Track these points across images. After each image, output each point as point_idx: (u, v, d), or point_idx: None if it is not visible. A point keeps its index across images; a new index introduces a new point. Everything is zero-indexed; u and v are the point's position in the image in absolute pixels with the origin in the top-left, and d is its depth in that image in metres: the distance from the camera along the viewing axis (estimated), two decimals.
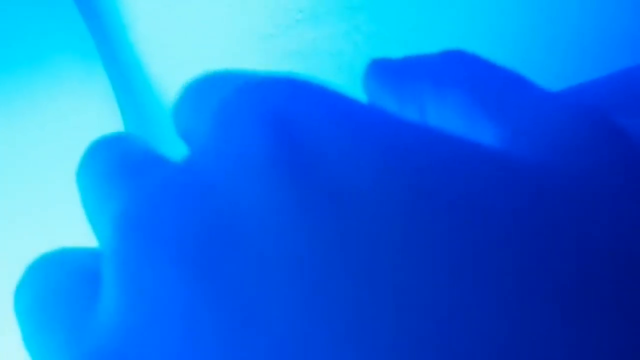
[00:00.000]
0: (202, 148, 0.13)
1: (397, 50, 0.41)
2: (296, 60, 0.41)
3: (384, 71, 0.17)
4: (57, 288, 0.13)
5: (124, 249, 0.12)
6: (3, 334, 0.34)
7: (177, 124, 0.15)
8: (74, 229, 0.36)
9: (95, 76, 0.39)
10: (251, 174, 0.11)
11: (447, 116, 0.15)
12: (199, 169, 0.12)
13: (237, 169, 0.12)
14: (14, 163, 0.37)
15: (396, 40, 0.41)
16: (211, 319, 0.10)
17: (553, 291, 0.09)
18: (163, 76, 0.42)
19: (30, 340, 0.13)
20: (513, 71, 0.15)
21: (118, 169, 0.14)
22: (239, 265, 0.11)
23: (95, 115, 0.38)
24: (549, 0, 0.38)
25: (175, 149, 0.43)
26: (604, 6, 0.37)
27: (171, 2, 0.40)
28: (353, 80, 0.42)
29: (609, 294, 0.09)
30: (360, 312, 0.10)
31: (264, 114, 0.12)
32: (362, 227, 0.10)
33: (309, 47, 0.41)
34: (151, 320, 0.11)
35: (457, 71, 0.15)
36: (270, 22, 0.41)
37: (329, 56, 0.41)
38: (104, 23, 0.41)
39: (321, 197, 0.11)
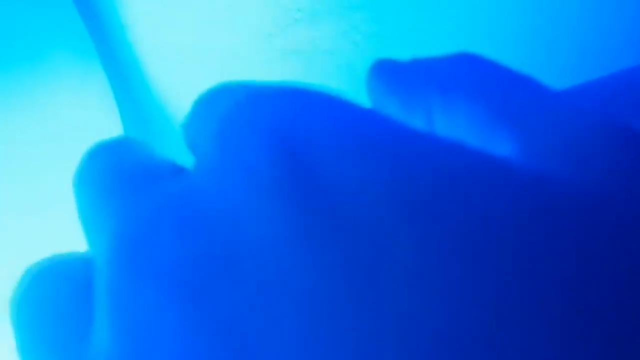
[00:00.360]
0: (203, 165, 0.12)
1: (396, 50, 0.41)
2: (295, 59, 0.41)
3: (388, 74, 0.17)
4: (52, 301, 0.13)
5: (117, 276, 0.11)
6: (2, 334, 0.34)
7: (186, 138, 0.15)
8: (72, 227, 0.36)
9: (94, 75, 0.38)
10: (252, 195, 0.11)
11: (457, 124, 0.14)
12: (200, 187, 0.12)
13: (238, 190, 0.11)
14: (12, 161, 0.36)
15: (396, 40, 0.41)
16: (208, 352, 0.10)
17: (558, 301, 0.09)
18: (161, 75, 0.42)
19: (25, 356, 0.13)
20: (525, 75, 0.14)
21: (116, 181, 0.13)
22: (239, 295, 0.10)
23: (94, 113, 0.38)
24: (550, 0, 0.38)
25: (175, 149, 0.43)
26: (604, 6, 0.37)
27: (169, 1, 0.40)
28: (352, 80, 0.42)
29: (612, 304, 0.09)
30: (368, 346, 0.09)
31: (265, 129, 0.12)
32: (371, 254, 0.10)
33: (308, 46, 0.41)
34: (145, 352, 0.10)
35: (467, 77, 0.14)
36: (269, 22, 0.41)
37: (328, 55, 0.41)
38: (102, 22, 0.41)
39: (327, 222, 0.10)
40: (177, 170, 0.14)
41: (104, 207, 0.13)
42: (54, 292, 0.13)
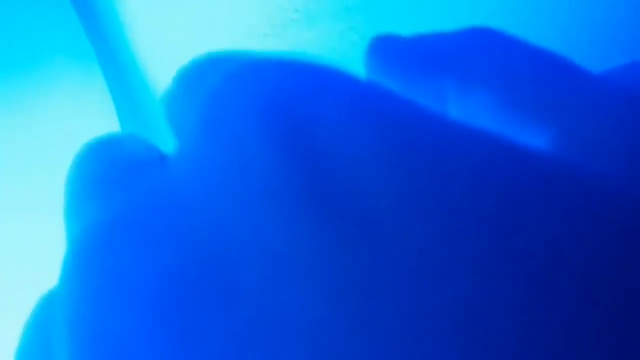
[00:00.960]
0: (186, 148, 0.11)
1: None
2: None
3: (391, 51, 0.14)
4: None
5: (77, 298, 0.09)
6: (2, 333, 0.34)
7: (168, 115, 0.13)
8: None
9: (92, 77, 0.38)
10: (245, 183, 0.09)
11: (474, 109, 0.12)
12: (183, 175, 0.10)
13: (228, 175, 0.09)
14: (10, 164, 0.36)
15: None
16: None
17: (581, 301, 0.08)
18: (159, 76, 0.42)
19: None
20: (552, 51, 0.12)
21: (95, 178, 0.11)
22: (232, 309, 0.08)
23: (92, 115, 0.38)
24: (548, 1, 0.38)
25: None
26: (604, 5, 0.37)
27: (167, 1, 0.40)
28: None
29: None
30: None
31: (257, 103, 0.10)
32: (379, 251, 0.08)
33: (305, 46, 0.41)
34: None
35: (485, 53, 0.12)
36: (265, 22, 0.41)
37: (325, 56, 0.41)
38: (100, 24, 0.41)
39: (335, 217, 0.08)
40: (162, 159, 0.12)
41: (75, 207, 0.11)
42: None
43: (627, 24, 0.38)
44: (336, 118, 0.09)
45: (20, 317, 0.13)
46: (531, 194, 0.09)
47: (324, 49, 0.41)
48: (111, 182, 0.11)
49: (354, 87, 0.10)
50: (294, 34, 0.41)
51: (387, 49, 0.15)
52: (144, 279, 0.09)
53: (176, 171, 0.10)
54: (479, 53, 0.12)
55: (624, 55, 0.38)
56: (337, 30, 0.40)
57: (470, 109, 0.12)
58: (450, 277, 0.08)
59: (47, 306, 0.11)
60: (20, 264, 0.36)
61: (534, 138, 0.11)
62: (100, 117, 0.38)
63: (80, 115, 0.38)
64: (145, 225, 0.09)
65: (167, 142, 0.43)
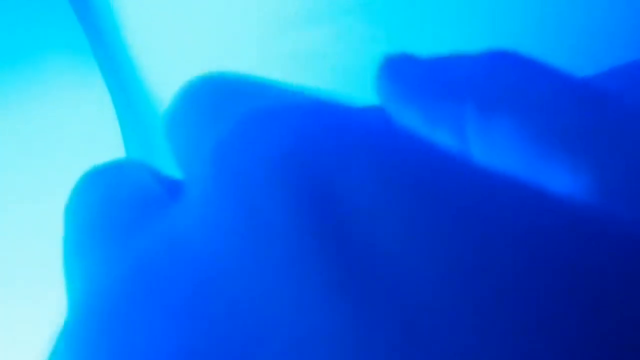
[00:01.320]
0: (199, 195, 0.10)
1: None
2: (290, 62, 0.41)
3: (406, 73, 0.13)
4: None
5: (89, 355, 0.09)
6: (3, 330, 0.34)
7: (171, 141, 0.12)
8: None
9: (90, 72, 0.38)
10: (263, 237, 0.09)
11: (497, 142, 0.11)
12: (196, 222, 0.10)
13: (241, 223, 0.09)
14: (7, 160, 0.36)
15: (391, 42, 0.41)
16: None
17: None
18: (158, 77, 0.42)
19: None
20: (582, 79, 0.11)
21: (103, 218, 0.11)
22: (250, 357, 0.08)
23: (90, 111, 0.38)
24: (545, 1, 0.38)
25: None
26: (606, 4, 0.37)
27: (166, 2, 0.40)
28: (348, 83, 0.41)
29: None
30: None
31: (274, 154, 0.09)
32: (412, 309, 0.08)
33: (303, 49, 0.41)
34: None
35: (509, 80, 0.11)
36: (263, 25, 0.41)
37: (323, 58, 0.41)
38: (97, 18, 0.41)
39: (350, 260, 0.08)
40: (173, 195, 0.11)
41: (84, 252, 0.11)
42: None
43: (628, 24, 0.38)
44: (351, 166, 0.09)
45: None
46: (559, 244, 0.08)
47: (321, 51, 0.41)
48: (115, 227, 0.11)
49: (370, 132, 0.10)
50: (292, 36, 0.41)
51: (402, 72, 0.14)
52: (163, 341, 0.08)
53: (185, 220, 0.10)
54: (499, 78, 0.12)
55: (625, 56, 0.38)
56: (337, 32, 0.40)
57: (490, 137, 0.11)
58: (470, 332, 0.07)
59: None
60: (16, 259, 0.35)
61: (558, 168, 0.10)
62: (98, 113, 0.38)
63: (78, 111, 0.37)
64: (157, 284, 0.09)
65: (163, 140, 0.43)
